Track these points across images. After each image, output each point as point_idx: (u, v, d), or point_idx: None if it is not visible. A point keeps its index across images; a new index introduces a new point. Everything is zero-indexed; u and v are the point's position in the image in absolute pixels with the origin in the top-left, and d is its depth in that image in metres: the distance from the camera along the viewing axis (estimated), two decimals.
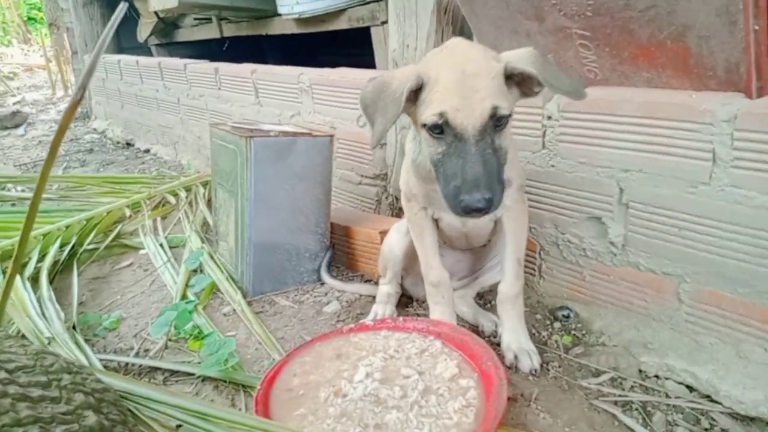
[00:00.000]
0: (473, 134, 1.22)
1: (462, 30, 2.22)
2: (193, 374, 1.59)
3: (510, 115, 1.27)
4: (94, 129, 5.69)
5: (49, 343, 1.55)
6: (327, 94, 2.69)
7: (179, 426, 1.16)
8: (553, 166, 1.84)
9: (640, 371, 1.61)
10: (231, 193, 2.05)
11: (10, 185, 3.61)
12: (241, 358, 1.67)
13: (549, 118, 1.80)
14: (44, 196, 3.17)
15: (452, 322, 1.68)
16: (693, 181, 1.51)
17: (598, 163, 1.71)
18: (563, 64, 1.87)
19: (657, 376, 1.59)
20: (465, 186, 1.17)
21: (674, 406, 1.46)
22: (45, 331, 1.60)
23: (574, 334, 1.78)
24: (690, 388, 1.52)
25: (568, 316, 1.87)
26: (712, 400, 1.47)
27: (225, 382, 1.54)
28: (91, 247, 2.54)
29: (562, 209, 1.85)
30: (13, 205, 3.19)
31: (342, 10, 3.39)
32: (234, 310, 1.94)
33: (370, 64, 3.10)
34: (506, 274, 1.63)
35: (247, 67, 3.26)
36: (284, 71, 2.95)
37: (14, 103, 6.96)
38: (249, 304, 1.97)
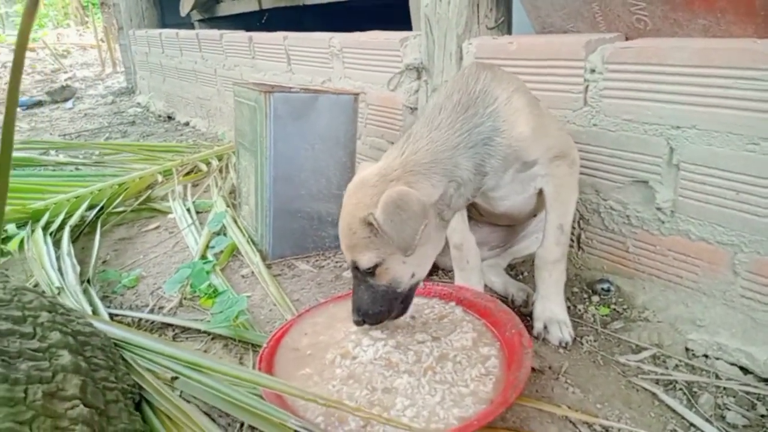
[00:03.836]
0: (351, 273, 1.31)
1: None
2: (204, 332, 1.53)
3: (378, 265, 1.24)
4: (138, 103, 5.78)
5: (58, 293, 1.52)
6: (357, 57, 2.58)
7: (174, 378, 1.10)
8: (595, 125, 1.68)
9: (687, 350, 1.45)
10: (251, 152, 1.98)
11: (52, 151, 3.69)
12: (254, 319, 1.61)
13: (592, 71, 1.64)
14: (80, 162, 3.22)
15: (476, 288, 1.55)
16: (753, 137, 1.33)
17: (646, 119, 1.54)
18: (609, 14, 1.70)
19: (706, 356, 1.43)
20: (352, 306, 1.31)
21: (725, 388, 1.31)
22: (56, 282, 1.57)
23: (614, 309, 1.64)
24: (744, 370, 1.36)
25: (608, 290, 1.72)
26: None
27: (234, 340, 1.48)
28: (120, 209, 2.54)
29: (605, 173, 1.69)
30: (53, 169, 3.24)
31: None
32: (252, 272, 1.88)
33: None
34: (545, 239, 1.49)
35: (279, 34, 3.19)
36: (315, 36, 2.86)
37: (66, 80, 7.17)
38: (268, 267, 1.90)
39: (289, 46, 3.10)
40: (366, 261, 1.23)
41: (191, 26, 5.71)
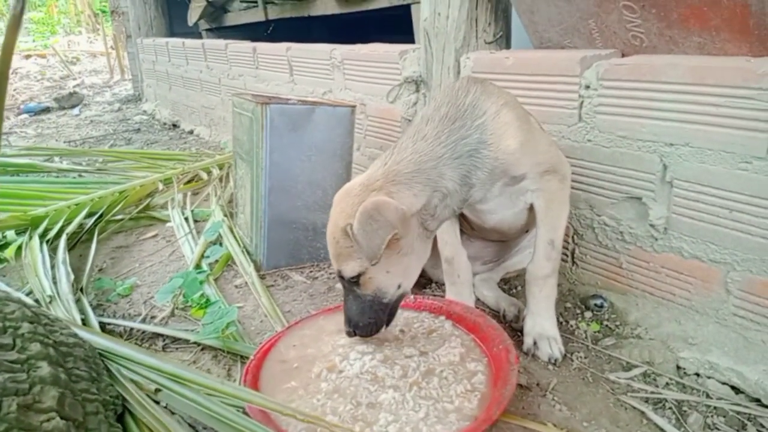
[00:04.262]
0: (342, 284, 1.33)
1: None
2: (194, 343, 1.54)
3: (361, 274, 1.26)
4: (144, 111, 5.83)
5: (50, 302, 1.53)
6: (358, 69, 2.60)
7: (158, 390, 1.10)
8: (589, 140, 1.68)
9: (679, 368, 1.44)
10: (248, 162, 1.99)
11: (56, 157, 3.72)
12: (245, 330, 1.61)
13: (587, 87, 1.64)
14: (82, 169, 3.25)
15: (466, 302, 1.55)
16: (746, 155, 1.33)
17: (640, 136, 1.54)
18: (605, 30, 1.71)
19: (698, 374, 1.42)
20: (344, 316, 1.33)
21: (716, 407, 1.30)
22: (48, 290, 1.58)
23: (606, 325, 1.63)
24: (736, 390, 1.35)
25: (601, 306, 1.71)
26: (762, 405, 1.30)
27: (224, 352, 1.48)
28: (119, 217, 2.56)
29: (599, 188, 1.68)
30: (56, 175, 3.27)
31: None
32: (246, 282, 1.88)
33: None
34: (536, 254, 1.48)
35: (282, 45, 3.21)
36: (317, 47, 2.88)
37: (74, 86, 7.24)
38: (262, 277, 1.91)
39: (291, 57, 3.13)
40: (349, 270, 1.25)
41: (199, 35, 5.76)
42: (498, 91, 1.42)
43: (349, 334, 1.31)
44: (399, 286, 1.30)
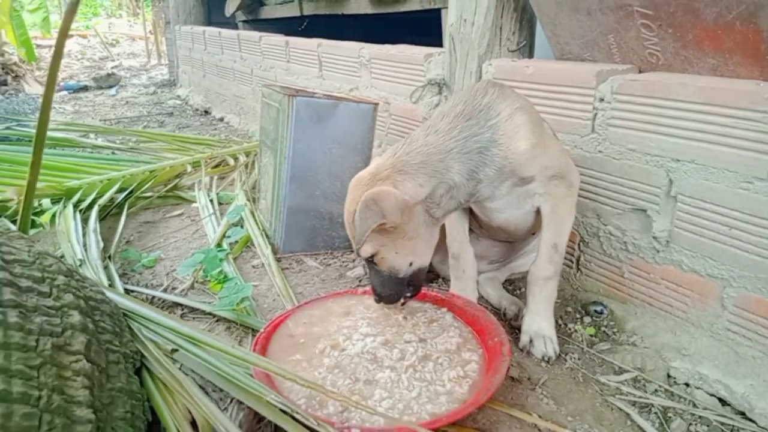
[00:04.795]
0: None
1: (524, 7, 2.14)
2: (210, 314, 1.64)
3: (374, 254, 1.38)
4: (178, 96, 6.00)
5: (80, 265, 1.65)
6: (384, 68, 2.68)
7: (174, 350, 1.20)
8: (600, 151, 1.73)
9: (669, 376, 1.49)
10: (272, 151, 2.09)
11: (92, 134, 3.88)
12: (258, 306, 1.70)
13: (601, 100, 1.70)
14: (116, 147, 3.39)
15: (469, 297, 1.62)
16: (748, 175, 1.37)
17: (648, 150, 1.60)
18: (624, 46, 1.76)
19: (687, 384, 1.46)
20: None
21: (701, 417, 1.35)
22: (79, 254, 1.70)
23: (604, 331, 1.68)
24: (723, 402, 1.39)
25: (601, 312, 1.76)
26: (746, 418, 1.34)
27: (236, 324, 1.58)
28: (148, 194, 2.68)
29: (607, 198, 1.74)
30: (90, 151, 3.42)
31: None
32: (262, 263, 1.98)
33: None
34: (539, 256, 1.54)
35: (314, 41, 3.31)
36: (347, 45, 2.97)
37: (112, 68, 7.47)
38: (278, 260, 2.00)
39: (322, 53, 3.22)
40: (363, 251, 1.36)
41: (235, 26, 5.91)
42: (514, 95, 1.48)
43: (377, 300, 1.46)
44: (411, 264, 1.42)
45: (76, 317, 0.93)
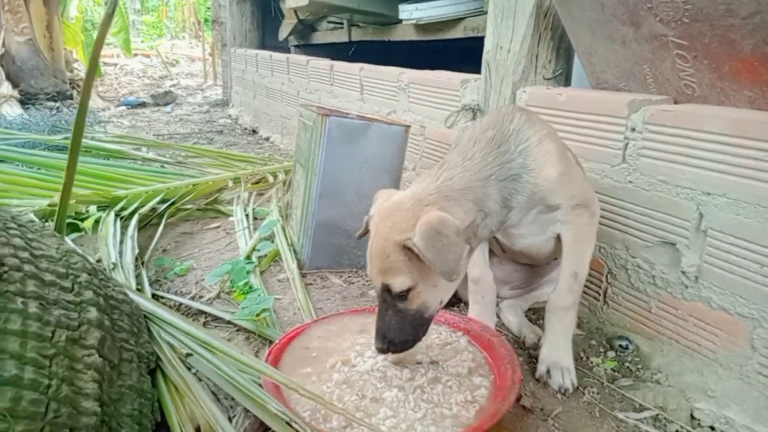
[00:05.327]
0: (378, 299, 1.30)
1: (562, 36, 2.14)
2: (232, 324, 1.68)
3: (411, 289, 1.25)
4: (229, 115, 6.23)
5: (113, 268, 1.73)
6: (421, 93, 2.72)
7: (189, 354, 1.24)
8: (631, 182, 1.70)
9: (693, 418, 1.43)
10: (304, 168, 2.14)
11: (144, 148, 4.07)
12: (278, 319, 1.74)
13: (633, 129, 1.68)
14: (164, 160, 3.54)
15: (485, 322, 1.60)
16: None
17: (679, 182, 1.56)
18: (659, 77, 1.74)
19: (712, 428, 1.40)
20: (375, 331, 1.30)
21: None
22: (112, 258, 1.78)
23: (628, 367, 1.63)
24: None
25: (626, 347, 1.71)
26: None
27: (255, 334, 1.61)
28: (189, 207, 2.79)
29: (636, 230, 1.70)
30: (141, 164, 3.59)
31: (459, 19, 3.41)
32: (288, 278, 2.02)
33: None
34: (559, 285, 1.52)
35: (356, 65, 3.40)
36: (387, 70, 3.04)
37: (170, 86, 7.85)
38: (303, 275, 2.04)
39: (363, 76, 3.30)
40: (399, 284, 1.23)
41: (288, 50, 6.13)
42: (540, 121, 1.49)
43: (382, 351, 1.28)
44: (441, 301, 1.33)
45: (93, 313, 0.98)
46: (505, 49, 2.16)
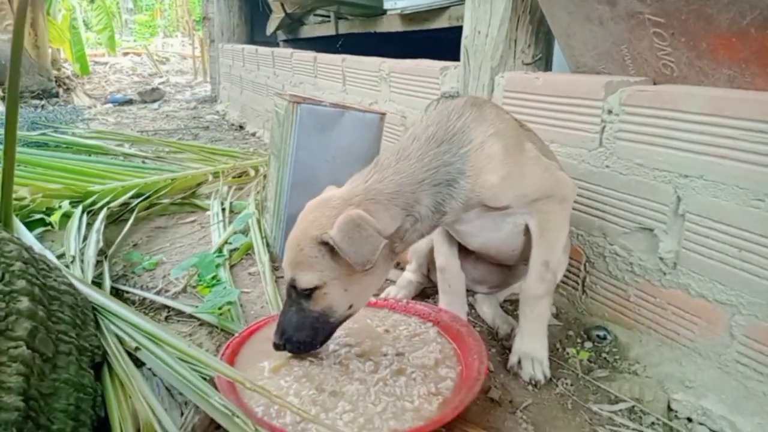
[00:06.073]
0: (286, 292, 1.27)
1: (541, 19, 2.08)
2: (195, 318, 1.62)
3: (317, 288, 1.20)
4: (217, 111, 6.17)
5: (71, 261, 1.67)
6: (402, 82, 2.66)
7: (137, 348, 1.18)
8: (608, 166, 1.64)
9: (670, 409, 1.37)
10: (277, 158, 2.08)
11: (126, 144, 4.01)
12: (245, 313, 1.68)
13: (609, 112, 1.62)
14: (145, 156, 3.48)
15: (456, 312, 1.54)
16: (759, 192, 1.26)
17: (656, 165, 1.50)
18: (638, 57, 1.68)
19: (689, 419, 1.34)
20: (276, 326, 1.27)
21: None
22: (72, 251, 1.72)
23: (605, 357, 1.57)
24: None
25: (604, 338, 1.65)
26: None
27: (218, 329, 1.55)
28: (165, 201, 2.73)
29: (613, 216, 1.64)
30: (122, 159, 3.53)
31: (443, 8, 3.35)
32: (259, 271, 1.96)
33: None
34: (529, 274, 1.45)
35: (339, 57, 3.35)
36: (369, 60, 2.98)
37: (158, 83, 7.77)
38: (275, 268, 1.98)
39: (345, 67, 3.24)
40: (306, 281, 1.19)
41: (277, 45, 6.06)
42: (493, 117, 1.34)
43: (277, 347, 1.24)
44: (350, 307, 1.26)
45: (24, 303, 0.92)
46: (483, 33, 2.10)
